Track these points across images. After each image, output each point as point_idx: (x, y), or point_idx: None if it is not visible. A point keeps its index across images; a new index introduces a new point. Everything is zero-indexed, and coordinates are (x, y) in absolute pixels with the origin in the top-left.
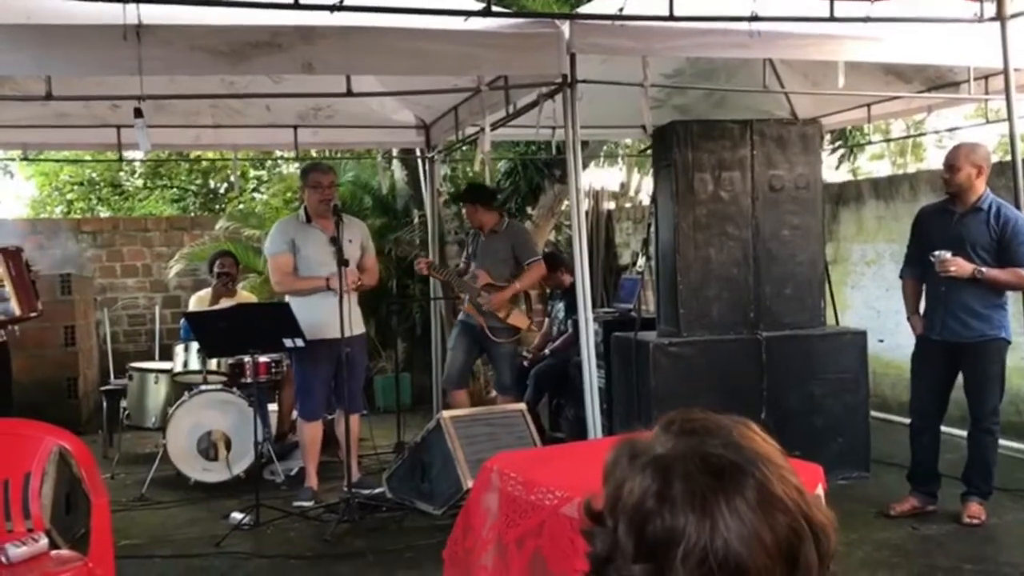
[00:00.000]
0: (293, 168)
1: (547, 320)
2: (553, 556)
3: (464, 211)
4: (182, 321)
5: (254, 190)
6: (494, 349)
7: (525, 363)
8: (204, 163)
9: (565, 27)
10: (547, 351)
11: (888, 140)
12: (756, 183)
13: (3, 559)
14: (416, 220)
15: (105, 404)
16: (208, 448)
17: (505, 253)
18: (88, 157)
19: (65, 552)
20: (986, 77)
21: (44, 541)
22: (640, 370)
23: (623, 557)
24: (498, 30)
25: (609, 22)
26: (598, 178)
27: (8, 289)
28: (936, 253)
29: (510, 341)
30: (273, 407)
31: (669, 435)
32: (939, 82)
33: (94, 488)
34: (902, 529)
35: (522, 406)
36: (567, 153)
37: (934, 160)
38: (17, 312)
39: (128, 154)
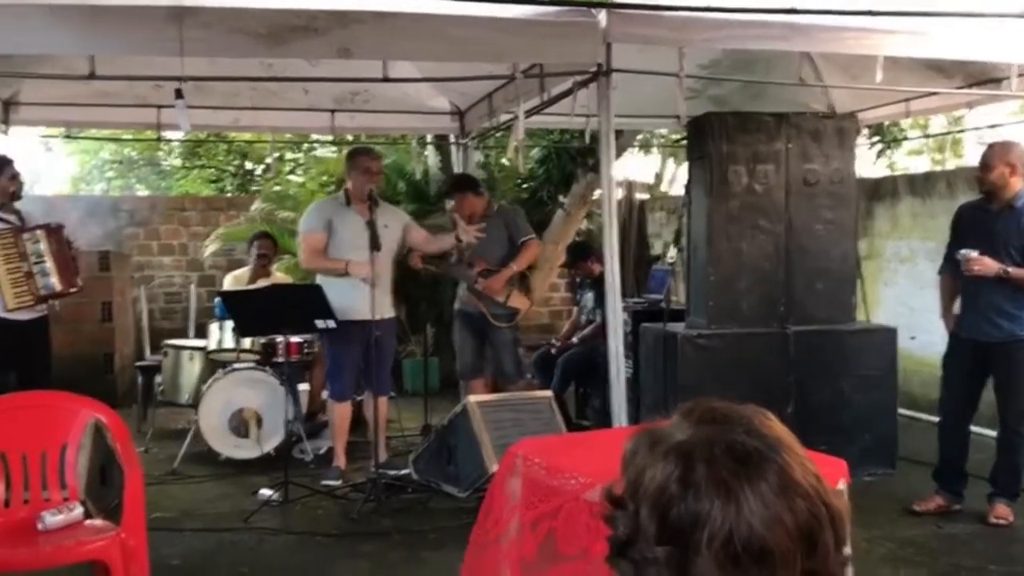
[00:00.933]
0: (330, 152)
1: (575, 309)
2: (565, 537)
3: (453, 205)
4: (216, 299)
5: (290, 172)
6: (494, 336)
7: (553, 351)
8: (241, 144)
9: (602, 16)
10: (575, 340)
11: (927, 136)
12: (790, 177)
13: (40, 526)
14: (449, 206)
15: (140, 380)
16: (239, 425)
17: (499, 235)
18: (127, 136)
19: (99, 522)
20: None
21: (79, 510)
22: (668, 361)
23: (645, 540)
24: (534, 18)
25: (646, 12)
26: (631, 167)
27: (49, 265)
28: (962, 252)
29: (510, 326)
30: (304, 386)
31: (689, 423)
32: (981, 78)
33: (128, 461)
34: (927, 527)
35: (549, 393)
36: (600, 143)
37: (974, 157)
38: (58, 287)
39: (166, 134)
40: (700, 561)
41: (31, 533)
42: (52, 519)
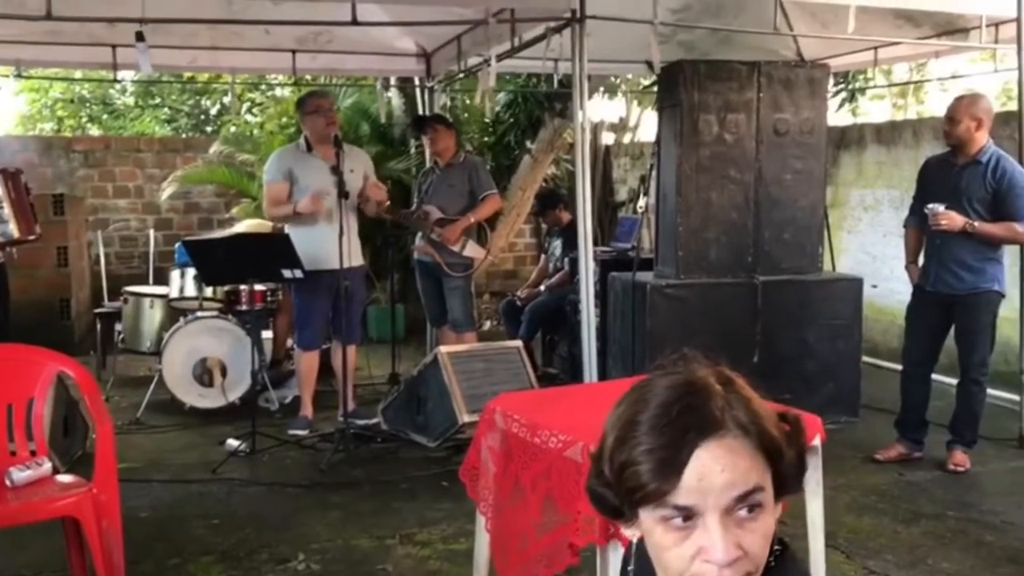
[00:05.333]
0: (288, 92)
1: (543, 257)
2: (562, 499)
3: (427, 139)
4: (178, 245)
5: (248, 111)
6: (447, 283)
7: (519, 301)
8: (198, 84)
9: None
10: (542, 288)
11: (892, 85)
12: (761, 126)
13: (8, 482)
14: (413, 150)
15: (99, 326)
16: (203, 374)
17: (462, 187)
18: (78, 74)
19: (70, 477)
20: (997, 24)
21: (48, 465)
22: (637, 310)
23: None
24: None
25: None
26: (597, 111)
27: (7, 211)
28: (930, 206)
29: (464, 276)
30: (267, 334)
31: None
32: (949, 28)
33: (98, 415)
34: (889, 475)
35: (519, 343)
36: (574, 90)
37: (936, 103)
38: (16, 235)
39: (121, 74)
40: None
41: None
42: (20, 475)
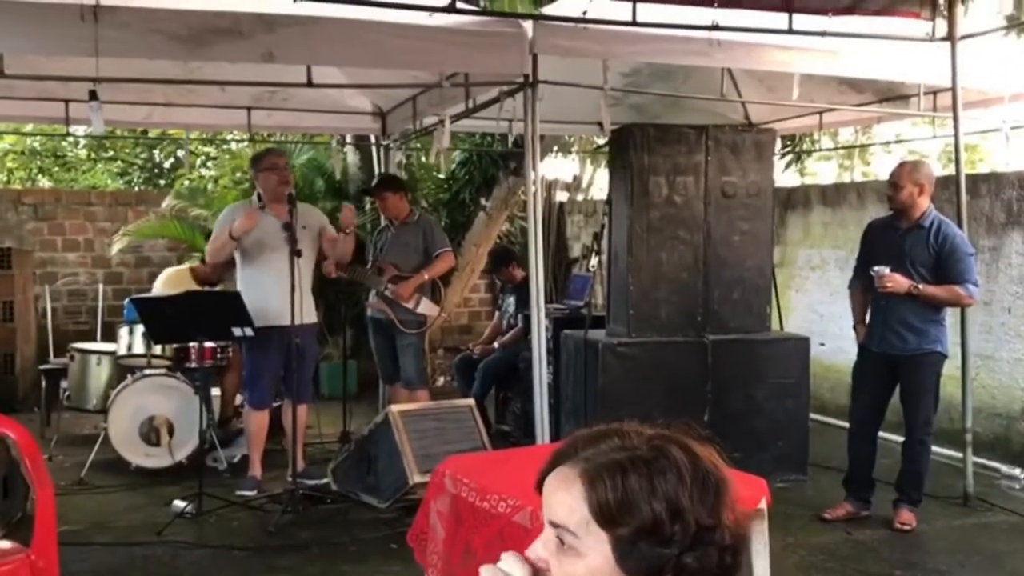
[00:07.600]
0: (243, 146)
1: (497, 314)
2: None
3: (379, 204)
4: (126, 302)
5: (202, 165)
6: (400, 340)
7: (474, 356)
8: (152, 137)
9: (528, 27)
10: (496, 345)
11: (837, 148)
12: (709, 188)
13: None
14: (368, 206)
15: (44, 383)
16: (150, 433)
17: (416, 244)
18: (29, 127)
19: (7, 543)
20: (935, 92)
21: None
22: (589, 368)
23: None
24: (462, 27)
25: (572, 25)
26: (551, 169)
27: None
28: (875, 269)
29: (417, 333)
30: (216, 391)
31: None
32: (890, 94)
33: (39, 479)
34: (836, 534)
35: (471, 402)
36: (526, 152)
37: (880, 164)
38: None
39: (74, 128)
40: None
41: None
42: None
